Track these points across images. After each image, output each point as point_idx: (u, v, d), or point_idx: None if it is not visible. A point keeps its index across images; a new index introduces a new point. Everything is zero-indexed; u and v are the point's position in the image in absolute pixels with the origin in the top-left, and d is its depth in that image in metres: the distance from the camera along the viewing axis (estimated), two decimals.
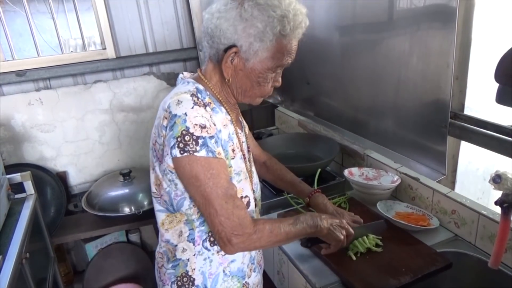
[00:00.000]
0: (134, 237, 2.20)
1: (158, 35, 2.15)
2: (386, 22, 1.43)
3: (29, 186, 1.60)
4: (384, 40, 1.47)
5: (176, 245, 0.99)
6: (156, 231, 1.93)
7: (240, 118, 1.11)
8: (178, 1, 2.13)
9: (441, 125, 1.26)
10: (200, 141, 0.85)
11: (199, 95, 0.92)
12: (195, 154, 0.85)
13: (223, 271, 1.02)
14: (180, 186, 0.92)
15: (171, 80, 2.21)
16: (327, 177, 1.70)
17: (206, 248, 0.98)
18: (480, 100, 1.30)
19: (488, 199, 1.40)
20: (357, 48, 1.63)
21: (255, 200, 1.08)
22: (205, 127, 0.86)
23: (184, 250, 0.99)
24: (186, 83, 0.96)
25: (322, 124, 1.96)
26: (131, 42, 2.10)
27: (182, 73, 1.02)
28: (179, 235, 0.98)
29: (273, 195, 1.60)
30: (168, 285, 1.02)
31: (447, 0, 1.14)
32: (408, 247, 1.18)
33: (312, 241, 1.10)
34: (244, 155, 1.03)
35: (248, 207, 1.02)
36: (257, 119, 2.39)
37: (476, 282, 1.16)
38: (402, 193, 1.47)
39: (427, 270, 1.08)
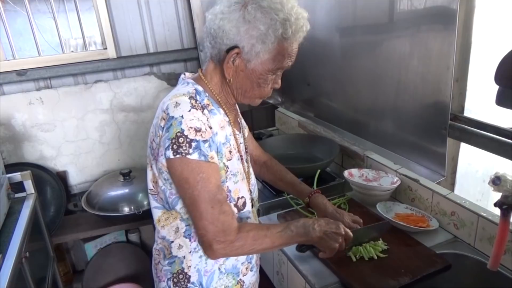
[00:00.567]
0: (133, 237, 2.20)
1: (159, 35, 2.15)
2: (386, 24, 1.44)
3: (29, 186, 1.61)
4: (384, 42, 1.48)
5: (172, 242, 1.00)
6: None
7: (239, 119, 1.11)
8: (179, 2, 2.14)
9: (441, 127, 1.27)
10: (193, 144, 0.86)
11: (198, 97, 0.93)
12: (187, 156, 0.86)
13: (219, 268, 1.03)
14: (174, 185, 0.94)
15: (171, 80, 2.21)
16: (327, 178, 1.70)
17: None
18: (480, 102, 1.30)
19: (487, 200, 1.40)
20: (358, 50, 1.63)
21: (252, 200, 1.08)
22: (200, 130, 0.87)
23: (180, 246, 1.00)
24: (186, 84, 0.97)
25: (322, 125, 1.96)
26: (132, 42, 2.11)
27: (184, 74, 1.03)
28: (175, 231, 0.99)
29: (273, 195, 1.60)
30: (164, 281, 1.04)
31: (448, 2, 1.14)
32: (408, 248, 1.18)
33: (307, 246, 1.09)
34: (241, 156, 1.04)
35: (244, 208, 1.03)
36: (257, 119, 2.39)
37: (475, 283, 1.16)
38: (401, 195, 1.47)
39: (426, 272, 1.08)
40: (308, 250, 1.10)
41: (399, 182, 1.44)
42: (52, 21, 2.04)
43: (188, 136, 0.86)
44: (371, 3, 1.46)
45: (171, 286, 1.02)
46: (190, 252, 0.99)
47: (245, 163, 1.07)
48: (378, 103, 1.57)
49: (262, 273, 1.45)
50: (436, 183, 1.34)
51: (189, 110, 0.88)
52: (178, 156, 0.86)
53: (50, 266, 1.71)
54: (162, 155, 0.89)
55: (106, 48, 2.06)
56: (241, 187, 1.02)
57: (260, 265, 1.25)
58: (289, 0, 0.90)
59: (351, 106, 1.76)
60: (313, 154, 1.84)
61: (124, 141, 2.20)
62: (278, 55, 0.91)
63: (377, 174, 1.53)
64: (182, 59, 2.22)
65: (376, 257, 1.14)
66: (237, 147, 1.02)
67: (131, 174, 2.03)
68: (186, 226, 0.98)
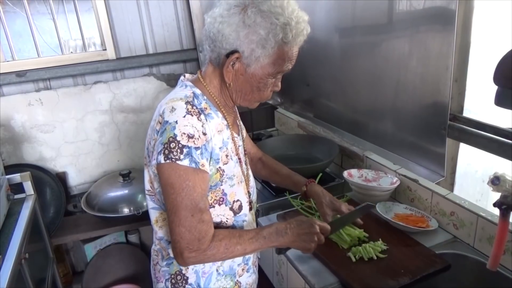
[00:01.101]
0: (133, 238, 2.20)
1: (158, 36, 2.15)
2: (385, 24, 1.44)
3: (28, 187, 1.60)
4: (383, 43, 1.48)
5: (170, 242, 1.00)
6: None
7: (238, 121, 1.11)
8: (178, 3, 2.14)
9: (440, 127, 1.27)
10: (185, 150, 0.86)
11: (195, 101, 0.92)
12: (177, 162, 0.86)
13: (216, 270, 1.03)
14: None
15: (171, 81, 2.21)
16: (327, 178, 1.70)
17: None
18: (479, 102, 1.30)
19: (486, 201, 1.40)
20: (357, 50, 1.64)
21: (251, 203, 1.08)
22: (192, 137, 0.87)
23: None
24: (184, 87, 0.97)
25: (322, 125, 1.96)
26: (131, 43, 2.11)
27: (184, 76, 1.02)
28: None
29: (273, 196, 1.60)
30: (162, 282, 1.04)
31: (446, 2, 1.14)
32: (407, 249, 1.19)
33: (285, 248, 1.07)
34: (240, 159, 1.03)
35: (240, 211, 1.03)
36: (256, 120, 2.39)
37: (475, 283, 1.17)
38: (401, 195, 1.47)
39: (426, 272, 1.08)
40: (287, 251, 1.10)
41: (398, 183, 1.44)
42: (51, 22, 2.04)
43: (181, 142, 0.86)
44: (370, 4, 1.46)
45: (169, 287, 1.03)
46: None
47: (244, 166, 1.06)
48: (377, 103, 1.57)
49: (262, 274, 1.45)
50: (435, 183, 1.34)
51: (184, 116, 0.87)
52: (168, 161, 0.86)
53: (50, 267, 1.70)
54: (154, 159, 0.89)
55: (105, 49, 2.06)
56: (238, 190, 1.02)
57: (259, 266, 1.25)
58: (290, 3, 0.89)
59: (351, 106, 1.76)
60: (312, 155, 1.84)
61: (124, 142, 2.20)
62: (278, 59, 0.91)
63: (377, 175, 1.53)
64: (181, 60, 2.22)
65: (375, 258, 1.15)
66: (236, 150, 1.01)
67: (130, 175, 2.03)
68: None
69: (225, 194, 0.99)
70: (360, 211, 1.16)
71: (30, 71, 1.93)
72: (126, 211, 1.93)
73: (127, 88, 2.13)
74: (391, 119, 1.52)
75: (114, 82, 2.11)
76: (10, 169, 1.88)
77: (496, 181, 0.87)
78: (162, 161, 0.86)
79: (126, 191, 1.99)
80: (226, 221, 1.00)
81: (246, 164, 1.09)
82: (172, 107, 0.89)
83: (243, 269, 1.09)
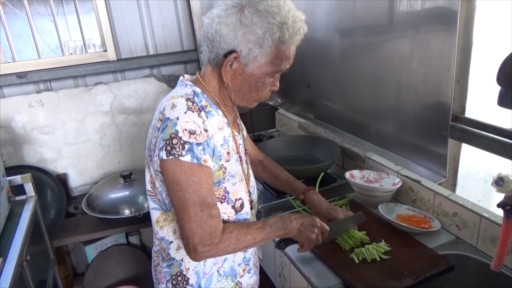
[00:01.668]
0: (134, 240, 2.20)
1: (159, 37, 2.15)
2: (386, 25, 1.44)
3: (29, 188, 1.60)
4: (384, 43, 1.48)
5: (171, 242, 1.00)
6: None
7: (238, 120, 1.12)
8: (179, 3, 2.13)
9: (442, 128, 1.27)
10: (186, 146, 0.86)
11: (196, 98, 0.93)
12: (180, 158, 0.86)
13: (217, 271, 1.03)
14: None
15: (171, 82, 2.21)
16: (328, 179, 1.69)
17: None
18: (481, 103, 1.30)
19: (489, 201, 1.40)
20: (358, 51, 1.63)
21: (252, 202, 1.09)
22: (194, 133, 0.87)
23: (179, 248, 1.00)
24: (184, 86, 0.98)
25: (323, 126, 1.96)
26: (132, 44, 2.11)
27: (183, 76, 1.03)
28: (173, 232, 1.00)
29: (274, 197, 1.60)
30: (163, 283, 1.04)
31: (449, 3, 1.14)
32: (410, 250, 1.18)
33: (285, 242, 1.10)
34: (240, 157, 1.04)
35: (241, 209, 1.03)
36: (257, 121, 2.39)
37: (478, 284, 1.16)
38: (403, 196, 1.47)
39: (429, 273, 1.08)
40: (287, 246, 1.11)
41: (400, 183, 1.44)
42: (50, 23, 2.03)
43: (182, 138, 0.86)
44: (371, 5, 1.46)
45: (170, 287, 1.02)
46: None
47: (245, 165, 1.07)
48: (379, 104, 1.57)
49: (264, 276, 1.44)
50: (437, 184, 1.34)
51: (185, 112, 0.88)
52: (170, 157, 0.86)
53: (51, 269, 1.70)
54: (156, 155, 0.90)
55: (106, 50, 2.06)
56: (239, 188, 1.02)
57: (261, 267, 1.25)
58: (286, 3, 0.90)
59: (352, 107, 1.76)
60: (314, 156, 1.84)
61: (124, 143, 2.20)
62: (276, 58, 0.92)
63: (379, 175, 1.53)
64: (182, 61, 2.21)
65: (378, 259, 1.14)
66: (236, 149, 1.02)
67: (131, 176, 2.02)
68: None
69: (227, 192, 0.99)
70: (353, 220, 1.21)
71: (31, 73, 1.93)
72: (127, 212, 1.92)
73: (127, 89, 2.13)
74: (392, 120, 1.52)
75: (115, 83, 2.10)
76: (11, 170, 1.87)
77: (500, 182, 0.87)
78: (165, 157, 0.87)
79: (127, 193, 1.98)
80: (228, 219, 1.00)
81: (247, 163, 1.10)
82: (173, 104, 0.90)
83: (244, 270, 1.09)
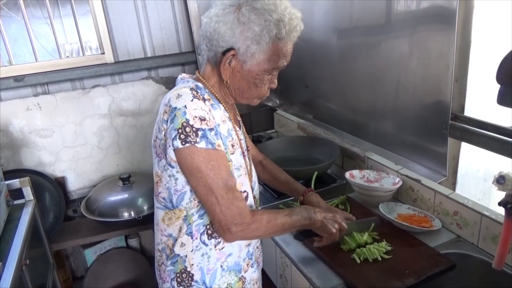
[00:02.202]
0: (133, 242, 2.19)
1: (157, 40, 2.14)
2: (385, 24, 1.44)
3: (28, 192, 1.59)
4: (383, 43, 1.48)
5: (176, 239, 1.01)
6: None
7: (238, 117, 1.13)
8: (176, 5, 2.13)
9: (441, 127, 1.27)
10: (200, 133, 0.88)
11: (199, 91, 0.95)
12: (196, 145, 0.88)
13: (221, 266, 1.04)
14: (180, 181, 0.95)
15: (169, 84, 2.20)
16: (328, 180, 1.69)
17: (204, 243, 1.00)
18: (480, 102, 1.30)
19: (489, 200, 1.40)
20: (356, 51, 1.63)
21: (254, 198, 1.10)
22: (204, 119, 0.89)
23: (182, 244, 1.01)
24: (186, 82, 0.99)
25: (322, 127, 1.96)
26: (129, 46, 2.10)
27: (181, 74, 1.05)
28: (179, 230, 1.01)
29: (275, 198, 1.60)
30: (168, 282, 1.04)
31: (447, 2, 1.14)
32: (411, 249, 1.18)
33: (304, 234, 1.12)
34: (243, 152, 1.05)
35: (246, 201, 1.04)
36: (256, 122, 2.38)
37: (480, 283, 1.16)
38: (403, 195, 1.47)
39: (431, 272, 1.08)
40: (306, 238, 1.12)
41: (400, 183, 1.44)
42: (46, 26, 2.03)
43: (194, 126, 0.88)
44: (368, 4, 1.46)
45: (175, 286, 1.03)
46: (192, 251, 1.01)
47: (247, 160, 1.08)
48: (378, 104, 1.57)
49: (265, 277, 1.44)
50: (437, 183, 1.34)
51: (192, 100, 0.90)
52: (187, 145, 0.87)
53: (50, 273, 1.69)
54: (170, 146, 0.90)
55: (103, 53, 2.05)
56: (244, 181, 1.03)
57: (263, 268, 1.25)
58: (282, 1, 0.92)
59: (351, 107, 1.76)
60: (313, 156, 1.84)
61: (123, 145, 2.19)
62: (273, 55, 0.93)
63: (379, 175, 1.52)
64: (180, 63, 2.21)
65: (380, 259, 1.14)
66: (239, 143, 1.03)
67: (130, 179, 2.01)
68: (187, 225, 0.99)
69: None
70: (369, 223, 1.24)
71: (28, 76, 1.92)
72: (126, 215, 1.91)
73: (125, 92, 2.12)
74: (392, 119, 1.52)
75: (113, 86, 2.09)
76: (9, 174, 1.86)
77: (501, 180, 0.87)
78: (180, 146, 0.88)
79: (126, 195, 1.97)
80: None
81: (249, 159, 1.11)
82: (178, 94, 0.91)
83: (247, 264, 1.09)
